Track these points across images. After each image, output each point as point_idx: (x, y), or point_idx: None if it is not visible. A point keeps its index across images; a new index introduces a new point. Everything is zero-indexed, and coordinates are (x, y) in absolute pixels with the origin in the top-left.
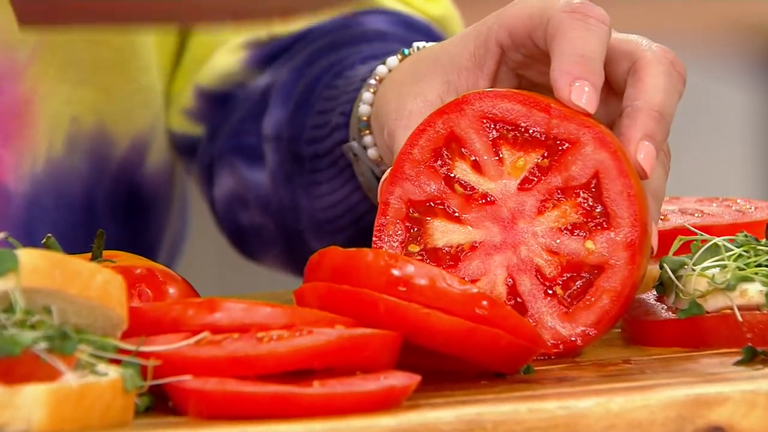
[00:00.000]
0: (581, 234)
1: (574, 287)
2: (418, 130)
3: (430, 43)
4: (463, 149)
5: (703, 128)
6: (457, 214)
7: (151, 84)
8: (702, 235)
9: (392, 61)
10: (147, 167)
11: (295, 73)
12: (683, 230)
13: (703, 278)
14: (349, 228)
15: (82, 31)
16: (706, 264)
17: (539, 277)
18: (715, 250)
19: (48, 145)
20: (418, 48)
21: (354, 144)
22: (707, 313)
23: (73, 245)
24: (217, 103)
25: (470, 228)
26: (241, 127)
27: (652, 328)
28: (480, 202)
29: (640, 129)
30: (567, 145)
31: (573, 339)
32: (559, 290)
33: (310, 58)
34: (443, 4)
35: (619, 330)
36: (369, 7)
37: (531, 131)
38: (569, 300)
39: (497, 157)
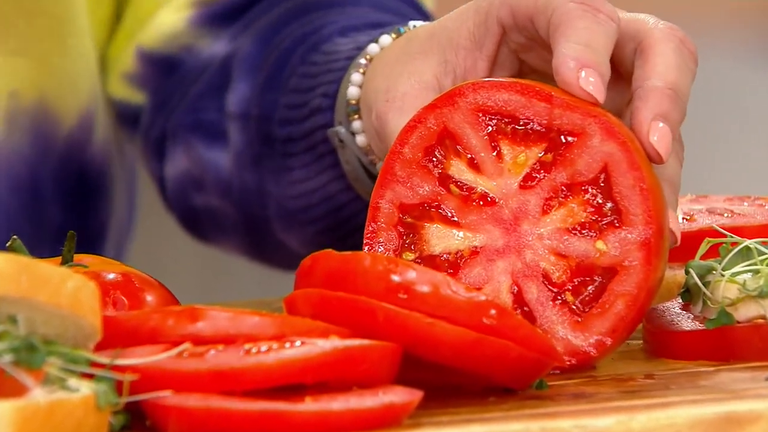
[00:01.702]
0: (591, 234)
1: (586, 293)
2: (408, 127)
3: (427, 23)
4: (458, 146)
5: (733, 121)
6: (454, 218)
7: (87, 49)
8: (732, 237)
9: (385, 39)
10: (94, 144)
11: (260, 42)
12: (711, 232)
13: (733, 285)
14: (324, 218)
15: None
16: (736, 269)
17: (547, 283)
18: (746, 253)
19: None
20: (414, 26)
21: (341, 129)
22: (738, 323)
23: (19, 234)
24: (162, 67)
25: (469, 232)
26: (200, 102)
27: (677, 340)
28: (479, 203)
29: (652, 109)
30: (572, 138)
31: (587, 350)
32: (569, 297)
33: (277, 24)
34: None
35: (641, 342)
36: None
37: (532, 124)
38: (581, 307)
39: (496, 154)
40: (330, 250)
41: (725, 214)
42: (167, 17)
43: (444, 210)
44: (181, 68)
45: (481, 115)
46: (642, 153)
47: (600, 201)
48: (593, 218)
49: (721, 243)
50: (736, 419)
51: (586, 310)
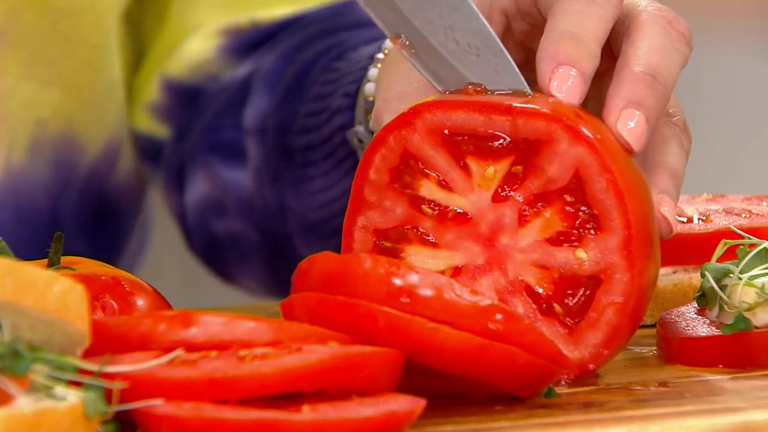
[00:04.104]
0: (571, 243)
1: (574, 303)
2: (370, 149)
3: None
4: (422, 166)
5: (751, 117)
6: (431, 238)
7: (117, 80)
8: (750, 238)
9: None
10: (116, 174)
11: (282, 59)
12: (728, 233)
13: (751, 288)
14: None
15: (54, 24)
16: (754, 272)
17: (533, 297)
18: (764, 255)
19: (7, 152)
20: None
21: (360, 128)
22: (756, 328)
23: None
24: (186, 98)
25: (449, 252)
26: (218, 121)
27: (692, 346)
28: (454, 221)
29: (625, 96)
30: (539, 145)
31: (584, 363)
32: (558, 308)
33: (301, 43)
34: None
35: (654, 348)
36: None
37: (496, 140)
38: (570, 319)
39: (463, 170)
40: (328, 252)
41: (743, 215)
42: (195, 46)
43: (421, 231)
44: (203, 95)
45: (439, 135)
46: (617, 150)
47: (576, 208)
48: (571, 226)
49: (739, 245)
50: (754, 429)
51: (576, 321)
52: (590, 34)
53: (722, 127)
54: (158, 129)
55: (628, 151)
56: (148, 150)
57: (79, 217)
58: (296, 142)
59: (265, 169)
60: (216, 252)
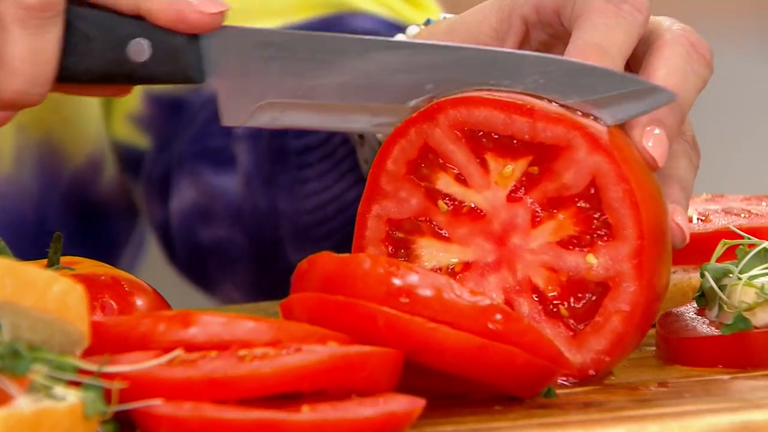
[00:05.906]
0: (582, 248)
1: (580, 307)
2: (389, 140)
3: (448, 17)
4: (442, 161)
5: (749, 117)
6: (444, 232)
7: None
8: (749, 238)
9: (412, 30)
10: (101, 183)
11: None
12: (728, 233)
13: (750, 288)
14: (338, 232)
15: None
16: (754, 272)
17: (539, 298)
18: (764, 255)
19: None
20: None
21: None
22: (755, 328)
23: None
24: (170, 109)
25: (460, 246)
26: (206, 129)
27: (691, 346)
28: (468, 216)
29: (647, 115)
30: (557, 150)
31: (585, 368)
32: (563, 311)
33: None
34: (431, 11)
35: (654, 348)
36: (353, 10)
37: (515, 139)
38: (575, 323)
39: (481, 166)
40: (328, 252)
41: (742, 215)
42: None
43: (434, 224)
44: (186, 107)
45: (461, 131)
46: (635, 161)
47: (590, 214)
48: (583, 231)
49: (738, 245)
50: (754, 429)
51: (581, 326)
52: (616, 47)
53: (721, 128)
54: (139, 139)
55: (651, 166)
56: (128, 160)
57: (66, 224)
58: (292, 145)
59: (256, 174)
60: (199, 261)
